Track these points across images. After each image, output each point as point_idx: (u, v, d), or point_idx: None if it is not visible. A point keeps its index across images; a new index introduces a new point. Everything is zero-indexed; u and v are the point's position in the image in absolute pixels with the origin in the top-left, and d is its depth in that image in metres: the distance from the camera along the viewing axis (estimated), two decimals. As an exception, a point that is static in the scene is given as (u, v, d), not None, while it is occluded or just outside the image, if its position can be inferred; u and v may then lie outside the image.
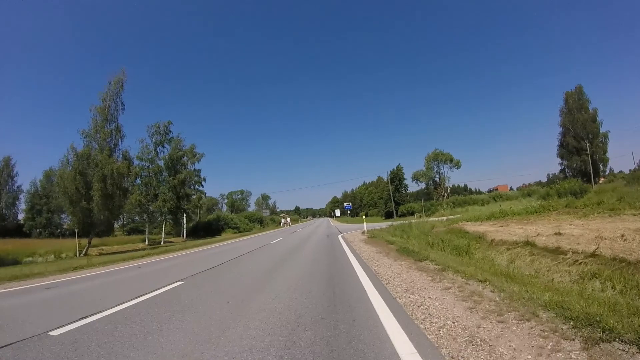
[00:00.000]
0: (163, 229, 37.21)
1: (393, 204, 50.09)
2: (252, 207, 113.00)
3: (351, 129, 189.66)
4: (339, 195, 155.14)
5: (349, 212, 55.06)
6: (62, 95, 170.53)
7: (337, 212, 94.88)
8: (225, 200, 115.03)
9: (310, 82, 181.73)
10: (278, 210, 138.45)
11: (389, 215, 58.69)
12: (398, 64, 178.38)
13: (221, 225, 49.39)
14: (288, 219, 55.37)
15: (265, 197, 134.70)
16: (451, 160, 63.28)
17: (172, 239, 44.32)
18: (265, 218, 65.67)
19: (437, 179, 60.33)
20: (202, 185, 48.74)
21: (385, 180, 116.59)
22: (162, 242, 36.53)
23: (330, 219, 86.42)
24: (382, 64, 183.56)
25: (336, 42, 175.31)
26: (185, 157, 37.73)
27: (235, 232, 47.89)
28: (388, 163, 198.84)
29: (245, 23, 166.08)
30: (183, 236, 46.42)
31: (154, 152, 37.75)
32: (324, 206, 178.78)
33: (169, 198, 34.91)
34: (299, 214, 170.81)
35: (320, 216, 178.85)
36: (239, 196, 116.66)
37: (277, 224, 63.48)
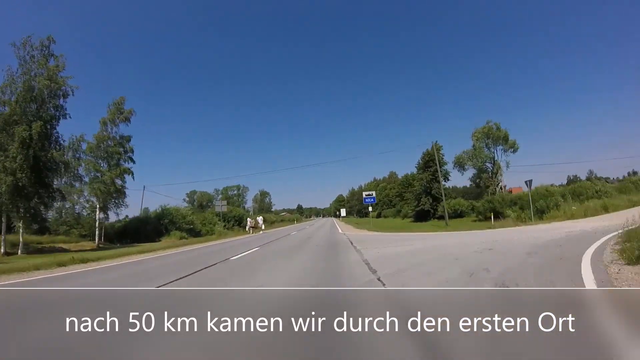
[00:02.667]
0: (3, 228, 19.06)
1: (444, 198, 31.26)
2: (249, 204, 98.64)
3: (359, 127, 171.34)
4: (345, 194, 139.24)
5: (370, 207, 36.78)
6: None
7: (343, 212, 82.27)
8: (220, 196, 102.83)
9: (319, 82, 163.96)
10: (274, 208, 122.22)
11: (420, 217, 40.47)
12: (400, 63, 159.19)
13: (165, 225, 31.72)
14: (260, 219, 36.77)
15: (263, 194, 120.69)
16: (506, 141, 44.71)
17: (68, 245, 26.76)
18: (246, 215, 47.63)
19: (488, 164, 41.92)
20: (133, 160, 31.01)
21: (400, 177, 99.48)
22: (2, 251, 18.85)
23: (335, 220, 70.52)
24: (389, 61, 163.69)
25: (342, 42, 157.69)
26: (63, 93, 19.97)
27: (184, 237, 30.17)
28: (396, 160, 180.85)
29: (247, 21, 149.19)
30: (96, 240, 28.91)
31: (21, 86, 20.29)
32: (328, 205, 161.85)
33: (17, 166, 17.26)
34: (302, 213, 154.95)
35: (324, 216, 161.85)
36: (235, 192, 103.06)
37: (267, 224, 45.45)
